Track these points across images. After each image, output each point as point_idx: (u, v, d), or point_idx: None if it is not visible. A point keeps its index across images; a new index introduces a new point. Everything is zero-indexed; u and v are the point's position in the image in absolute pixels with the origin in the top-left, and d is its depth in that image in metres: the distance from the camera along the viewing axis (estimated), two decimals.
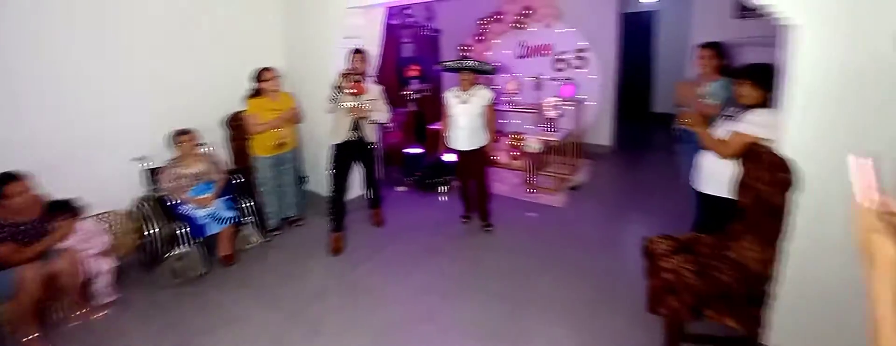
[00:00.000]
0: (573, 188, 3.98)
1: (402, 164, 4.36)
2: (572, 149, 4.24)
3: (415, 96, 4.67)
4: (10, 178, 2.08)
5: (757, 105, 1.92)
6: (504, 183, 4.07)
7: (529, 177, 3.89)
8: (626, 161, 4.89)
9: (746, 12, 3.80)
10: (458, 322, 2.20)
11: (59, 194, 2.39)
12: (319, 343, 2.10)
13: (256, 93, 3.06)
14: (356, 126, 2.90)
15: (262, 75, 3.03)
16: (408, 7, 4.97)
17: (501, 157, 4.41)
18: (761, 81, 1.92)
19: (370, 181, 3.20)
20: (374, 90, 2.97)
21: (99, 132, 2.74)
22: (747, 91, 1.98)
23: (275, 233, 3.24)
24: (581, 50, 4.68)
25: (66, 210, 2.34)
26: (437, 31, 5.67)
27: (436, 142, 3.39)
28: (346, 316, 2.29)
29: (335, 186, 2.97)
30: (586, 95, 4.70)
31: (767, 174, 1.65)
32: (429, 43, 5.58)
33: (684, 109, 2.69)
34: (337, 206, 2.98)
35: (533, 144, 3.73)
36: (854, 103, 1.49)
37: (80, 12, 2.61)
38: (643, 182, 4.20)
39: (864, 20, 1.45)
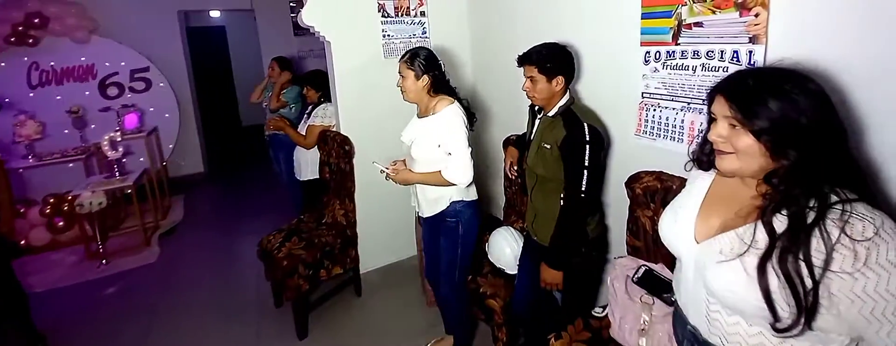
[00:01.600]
0: (167, 233, 3.61)
1: None
2: (155, 189, 3.82)
3: None
4: None
5: (320, 102, 2.78)
6: (51, 270, 3.11)
7: (96, 245, 3.18)
8: (225, 182, 5.04)
9: (300, 31, 5.04)
10: None
11: None
12: None
13: None
14: None
15: None
16: None
17: (34, 236, 3.35)
18: (317, 84, 2.82)
19: None
20: None
21: None
22: (310, 92, 2.86)
23: None
24: (140, 70, 4.34)
25: None
26: None
27: None
28: None
29: None
30: (159, 121, 4.43)
31: (337, 149, 2.45)
32: None
33: (270, 116, 3.36)
34: None
35: (91, 200, 3.07)
36: (366, 89, 2.53)
37: None
38: (247, 196, 4.53)
39: (364, 36, 2.50)
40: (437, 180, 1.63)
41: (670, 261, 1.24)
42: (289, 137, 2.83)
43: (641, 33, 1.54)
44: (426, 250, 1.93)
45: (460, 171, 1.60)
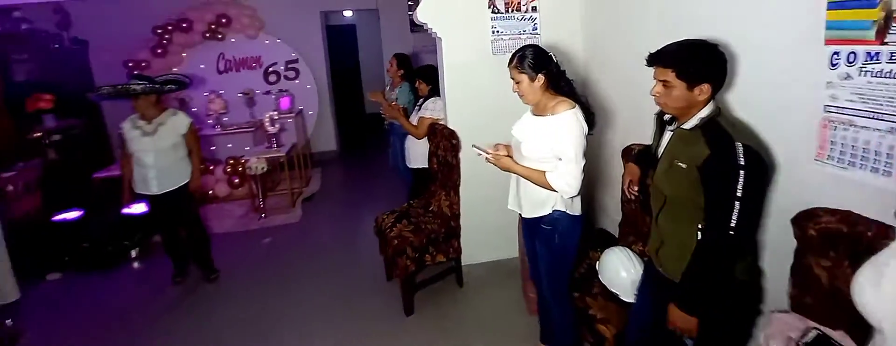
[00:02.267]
0: (308, 199, 4.18)
1: (52, 239, 3.20)
2: (300, 160, 4.47)
3: (54, 139, 3.60)
4: None
5: (430, 95, 2.74)
6: (227, 218, 3.80)
7: (258, 202, 3.79)
8: (352, 161, 5.67)
9: (416, 28, 5.12)
10: None
11: None
12: None
13: None
14: None
15: None
16: (17, 8, 3.70)
17: (218, 189, 4.11)
18: (427, 78, 2.79)
19: None
20: None
21: None
22: (421, 85, 2.83)
23: None
24: (292, 61, 5.05)
25: None
26: (80, 42, 4.50)
27: (111, 194, 2.86)
28: None
29: None
30: (304, 105, 5.11)
31: (445, 142, 2.39)
32: (67, 60, 4.33)
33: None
34: None
35: (257, 165, 3.67)
36: (473, 85, 2.43)
37: None
38: (369, 175, 4.97)
39: (473, 32, 2.38)
40: (540, 180, 1.46)
41: (856, 328, 0.91)
42: (401, 126, 2.86)
43: (827, 28, 1.13)
44: (528, 253, 1.77)
45: (566, 179, 1.43)
